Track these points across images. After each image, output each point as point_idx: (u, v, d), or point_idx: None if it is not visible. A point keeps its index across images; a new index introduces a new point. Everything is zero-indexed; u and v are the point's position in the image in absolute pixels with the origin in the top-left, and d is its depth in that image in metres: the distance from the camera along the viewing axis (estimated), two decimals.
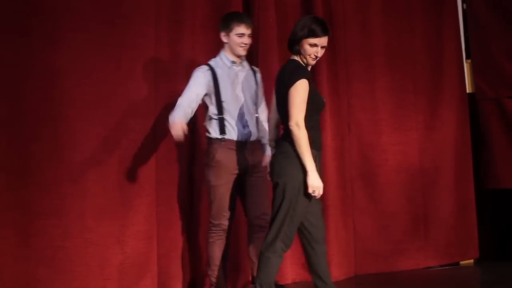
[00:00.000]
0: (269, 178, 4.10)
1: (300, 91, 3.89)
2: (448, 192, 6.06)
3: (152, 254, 4.95)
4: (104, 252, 4.78)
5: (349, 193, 5.74)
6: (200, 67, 4.65)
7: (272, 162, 4.05)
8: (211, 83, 4.56)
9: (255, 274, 4.59)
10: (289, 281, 5.38)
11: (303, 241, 4.08)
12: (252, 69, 4.78)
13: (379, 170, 5.87)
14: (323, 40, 3.98)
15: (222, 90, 4.56)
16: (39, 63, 4.68)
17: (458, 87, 6.17)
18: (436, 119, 6.12)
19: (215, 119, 4.56)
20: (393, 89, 5.92)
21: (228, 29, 4.60)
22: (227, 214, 4.56)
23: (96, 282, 4.75)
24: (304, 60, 4.02)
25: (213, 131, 4.58)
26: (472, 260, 6.16)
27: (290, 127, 3.89)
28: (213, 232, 4.59)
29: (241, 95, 4.63)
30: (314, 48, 3.97)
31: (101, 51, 4.84)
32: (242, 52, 4.63)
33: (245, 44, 4.61)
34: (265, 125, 4.70)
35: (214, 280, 4.60)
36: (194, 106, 4.55)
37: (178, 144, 4.72)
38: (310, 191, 3.87)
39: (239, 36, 4.58)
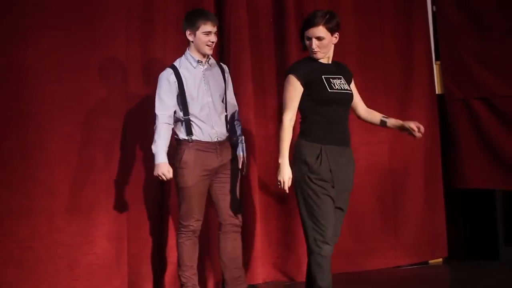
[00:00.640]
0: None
1: (286, 87, 3.93)
2: (417, 192, 6.09)
3: (123, 254, 4.92)
4: (73, 253, 4.75)
5: None
6: (165, 70, 4.53)
7: None
8: (176, 85, 4.47)
9: (225, 276, 4.59)
10: (260, 281, 5.38)
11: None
12: (220, 66, 4.70)
13: None
14: (312, 31, 3.91)
15: (187, 91, 4.47)
16: (7, 61, 4.62)
17: (428, 88, 6.21)
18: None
19: (182, 120, 4.49)
20: (365, 89, 5.89)
21: (194, 27, 4.47)
22: (196, 215, 4.50)
23: (65, 283, 4.72)
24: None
25: (180, 133, 4.52)
26: (441, 259, 6.20)
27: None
28: (182, 233, 4.55)
29: (207, 94, 4.53)
30: (309, 41, 3.95)
31: (72, 49, 4.79)
32: (209, 51, 4.52)
33: (212, 42, 4.49)
34: (235, 124, 4.69)
35: (184, 280, 4.57)
36: (172, 121, 4.48)
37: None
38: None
39: (206, 34, 4.47)
